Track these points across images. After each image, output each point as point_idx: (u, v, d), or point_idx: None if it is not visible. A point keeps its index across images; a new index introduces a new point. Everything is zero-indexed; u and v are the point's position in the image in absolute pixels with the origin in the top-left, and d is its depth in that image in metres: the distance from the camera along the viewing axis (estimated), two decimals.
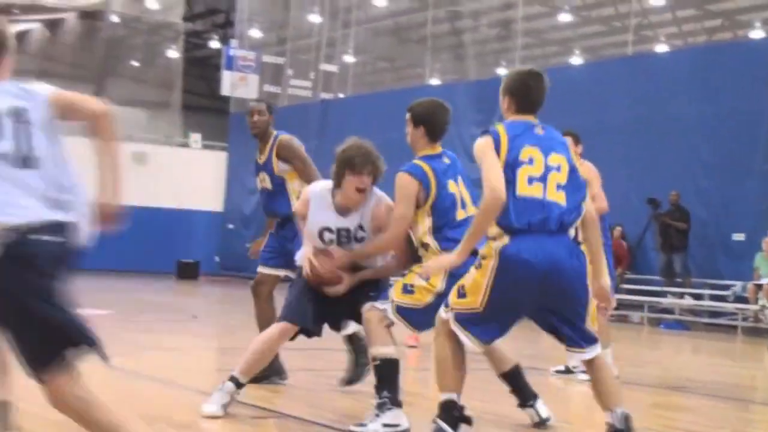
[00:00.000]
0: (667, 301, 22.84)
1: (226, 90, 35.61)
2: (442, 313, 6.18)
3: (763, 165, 21.48)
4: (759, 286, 20.32)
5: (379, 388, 6.87)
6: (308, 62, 36.58)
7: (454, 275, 6.50)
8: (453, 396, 6.15)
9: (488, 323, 6.05)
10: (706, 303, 22.37)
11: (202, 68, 45.04)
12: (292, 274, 8.29)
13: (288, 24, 37.54)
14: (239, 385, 7.29)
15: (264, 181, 8.99)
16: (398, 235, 6.91)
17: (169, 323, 16.88)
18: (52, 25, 46.26)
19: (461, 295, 6.04)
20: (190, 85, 41.48)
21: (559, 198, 5.99)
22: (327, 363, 11.41)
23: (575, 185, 6.10)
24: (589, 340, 6.15)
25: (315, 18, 36.56)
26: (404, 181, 6.88)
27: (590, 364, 6.26)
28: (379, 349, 6.88)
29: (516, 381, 7.39)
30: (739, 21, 34.83)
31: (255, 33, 38.95)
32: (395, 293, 6.99)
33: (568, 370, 11.00)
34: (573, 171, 6.12)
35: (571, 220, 6.05)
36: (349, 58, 35.42)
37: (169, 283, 31.70)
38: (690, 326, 22.08)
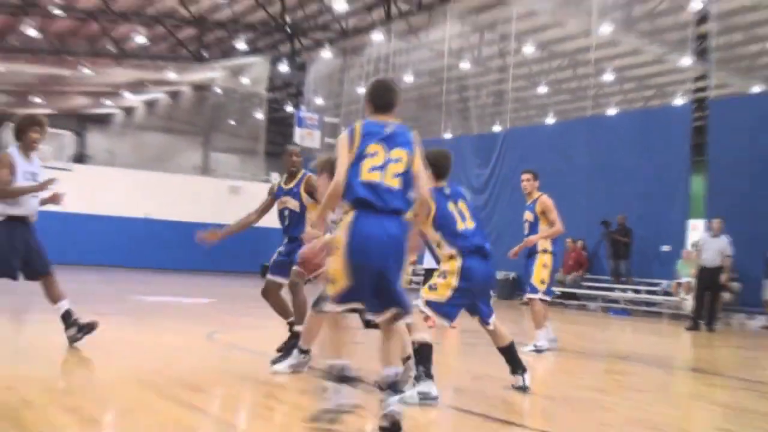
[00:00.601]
0: (614, 294, 22.97)
1: (297, 141, 35.78)
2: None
3: (683, 197, 21.92)
4: (679, 284, 20.66)
5: (416, 365, 6.77)
6: (355, 121, 36.72)
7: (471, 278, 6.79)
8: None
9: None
10: (643, 296, 22.56)
11: (280, 126, 45.17)
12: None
13: (342, 94, 37.78)
14: (303, 352, 7.46)
15: (288, 203, 8.92)
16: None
17: (255, 309, 16.87)
18: (174, 95, 46.59)
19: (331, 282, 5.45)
20: (271, 137, 41.68)
21: (395, 183, 5.56)
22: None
23: (409, 176, 5.64)
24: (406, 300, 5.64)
25: (361, 90, 36.70)
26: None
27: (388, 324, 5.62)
28: (417, 335, 6.80)
29: (509, 354, 7.41)
30: (666, 91, 35.08)
31: (318, 100, 39.14)
32: (424, 292, 7.04)
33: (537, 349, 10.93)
34: (410, 165, 5.66)
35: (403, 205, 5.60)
36: None
37: (255, 280, 31.76)
38: (631, 313, 22.16)
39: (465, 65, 33.95)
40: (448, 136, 33.18)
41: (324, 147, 34.64)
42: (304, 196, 8.78)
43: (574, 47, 32.43)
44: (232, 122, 45.14)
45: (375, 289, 5.42)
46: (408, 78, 35.56)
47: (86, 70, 40.28)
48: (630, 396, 8.11)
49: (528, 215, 11.31)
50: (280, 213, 9.11)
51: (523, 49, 32.28)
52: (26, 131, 8.61)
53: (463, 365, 9.97)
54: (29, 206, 8.55)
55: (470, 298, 7.04)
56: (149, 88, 44.58)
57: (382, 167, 5.55)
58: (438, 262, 7.18)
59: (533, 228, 11.22)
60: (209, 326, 12.26)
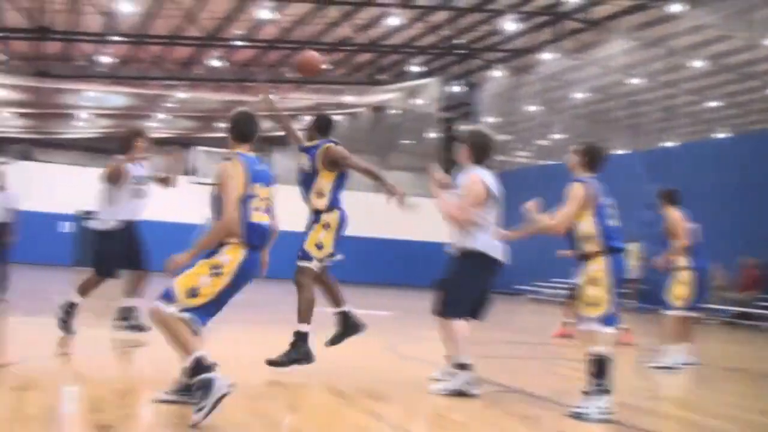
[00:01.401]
0: None
1: None
2: (163, 306, 5.41)
3: None
4: None
5: (593, 378, 6.52)
6: (528, 139, 36.52)
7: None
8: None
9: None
10: None
11: (454, 143, 45.30)
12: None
13: (514, 112, 37.59)
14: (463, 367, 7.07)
15: (302, 160, 9.09)
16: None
17: (431, 322, 16.91)
18: (352, 117, 47.40)
19: (192, 296, 5.41)
20: (445, 155, 41.81)
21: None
22: (550, 353, 11.30)
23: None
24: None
25: (533, 108, 36.53)
26: (575, 192, 6.81)
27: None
28: (596, 348, 6.56)
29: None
30: None
31: (490, 119, 39.05)
32: (586, 311, 6.72)
33: None
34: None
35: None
36: (557, 135, 35.21)
37: (428, 294, 31.88)
38: None
39: (634, 80, 33.24)
40: (618, 152, 32.51)
41: (496, 164, 34.53)
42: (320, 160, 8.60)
43: (742, 60, 31.30)
44: (407, 141, 45.51)
45: None
46: (578, 95, 35.13)
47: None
48: None
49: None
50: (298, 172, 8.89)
51: (691, 63, 31.39)
52: (131, 141, 9.77)
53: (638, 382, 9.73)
54: (134, 210, 9.70)
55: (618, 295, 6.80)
56: (328, 110, 45.52)
57: None
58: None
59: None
60: (389, 338, 12.38)
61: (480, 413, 6.47)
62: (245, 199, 5.59)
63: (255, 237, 5.64)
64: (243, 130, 5.94)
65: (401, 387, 7.37)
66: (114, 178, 9.50)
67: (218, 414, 5.52)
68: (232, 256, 5.54)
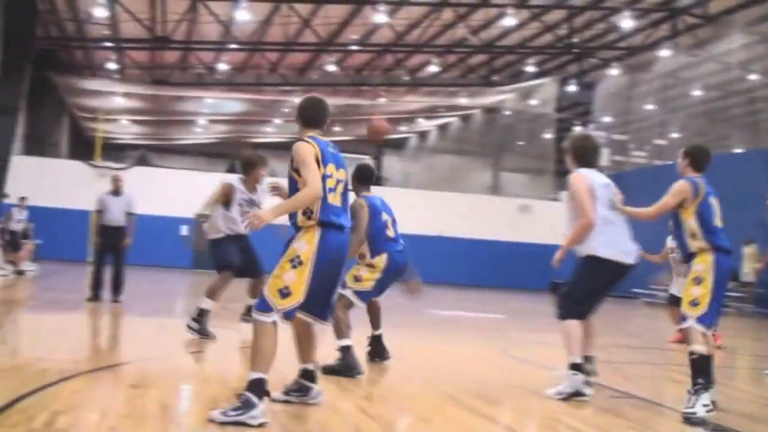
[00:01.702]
0: None
1: None
2: (262, 317, 5.40)
3: None
4: None
5: (695, 377, 6.56)
6: (645, 138, 35.89)
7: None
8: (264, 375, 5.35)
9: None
10: None
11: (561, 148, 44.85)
12: None
13: (630, 111, 36.96)
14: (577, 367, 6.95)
15: None
16: None
17: (546, 325, 16.76)
18: (465, 119, 47.32)
19: (285, 295, 5.38)
20: (559, 157, 41.24)
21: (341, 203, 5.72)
22: (665, 358, 11.09)
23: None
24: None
25: (649, 106, 35.88)
26: (677, 187, 6.93)
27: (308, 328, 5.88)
28: (695, 347, 6.62)
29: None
30: None
31: (606, 118, 38.52)
32: (690, 311, 6.77)
33: None
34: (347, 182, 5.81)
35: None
36: (674, 135, 34.51)
37: (544, 297, 31.62)
38: None
39: (752, 77, 32.30)
40: (738, 150, 31.65)
41: (612, 165, 34.11)
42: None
43: None
44: (521, 143, 45.20)
45: None
46: (696, 92, 34.37)
47: (382, 99, 41.74)
48: None
49: None
50: None
51: None
52: (255, 168, 10.03)
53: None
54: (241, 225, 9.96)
55: (721, 296, 6.85)
56: (442, 112, 45.53)
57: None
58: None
59: None
60: (503, 341, 12.33)
61: (592, 418, 6.37)
62: (323, 179, 5.54)
63: (332, 215, 5.58)
64: (312, 115, 5.88)
65: (514, 390, 7.31)
66: (224, 199, 9.83)
67: (331, 413, 5.59)
68: (306, 241, 5.51)
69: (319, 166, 5.52)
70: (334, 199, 5.62)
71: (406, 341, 11.94)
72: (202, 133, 46.65)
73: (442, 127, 49.57)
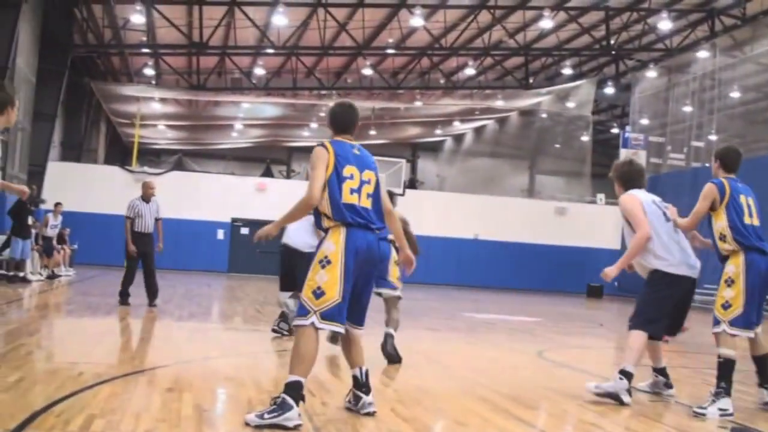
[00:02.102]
0: None
1: None
2: (301, 321, 5.49)
3: None
4: None
5: (718, 380, 6.72)
6: (682, 140, 35.62)
7: None
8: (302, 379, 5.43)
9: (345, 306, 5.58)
10: None
11: (605, 147, 44.62)
12: None
13: (667, 113, 36.71)
14: (626, 375, 6.95)
15: None
16: None
17: (582, 328, 16.68)
18: (501, 121, 47.22)
19: (319, 295, 5.48)
20: (596, 159, 41.14)
21: (368, 204, 5.74)
22: (706, 363, 10.99)
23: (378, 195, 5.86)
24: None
25: (687, 108, 35.61)
26: (706, 191, 7.09)
27: (347, 334, 5.84)
28: (723, 351, 6.80)
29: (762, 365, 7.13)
30: None
31: (644, 120, 38.30)
32: (720, 314, 6.91)
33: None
34: (378, 184, 5.85)
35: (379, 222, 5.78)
36: (712, 137, 34.23)
37: (581, 300, 31.46)
38: None
39: None
40: None
41: (649, 167, 33.90)
42: None
43: None
44: (558, 145, 45.04)
45: None
46: (734, 94, 34.07)
47: (418, 103, 41.73)
48: None
49: None
50: None
51: None
52: None
53: None
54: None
55: (760, 296, 6.93)
56: (478, 115, 45.45)
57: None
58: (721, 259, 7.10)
59: None
60: (538, 344, 12.26)
61: (627, 422, 6.33)
62: (339, 181, 5.65)
63: (350, 215, 5.62)
64: (340, 120, 5.98)
65: (549, 393, 7.26)
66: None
67: (366, 418, 5.59)
68: (333, 241, 5.59)
69: (336, 170, 5.66)
70: (355, 200, 5.68)
71: (440, 344, 11.92)
72: (237, 137, 46.88)
73: (478, 130, 49.50)
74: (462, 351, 11.24)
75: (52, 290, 17.45)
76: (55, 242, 22.13)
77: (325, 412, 5.83)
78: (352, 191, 5.67)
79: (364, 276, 5.72)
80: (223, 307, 16.98)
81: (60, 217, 22.10)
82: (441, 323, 15.21)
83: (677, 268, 7.06)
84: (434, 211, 35.61)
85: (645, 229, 7.00)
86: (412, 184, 42.55)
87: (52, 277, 20.88)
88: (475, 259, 36.06)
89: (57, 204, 22.20)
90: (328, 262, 5.51)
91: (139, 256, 14.18)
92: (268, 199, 32.09)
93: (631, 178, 7.53)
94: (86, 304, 13.96)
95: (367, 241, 5.67)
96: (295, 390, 5.34)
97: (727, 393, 6.67)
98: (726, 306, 6.84)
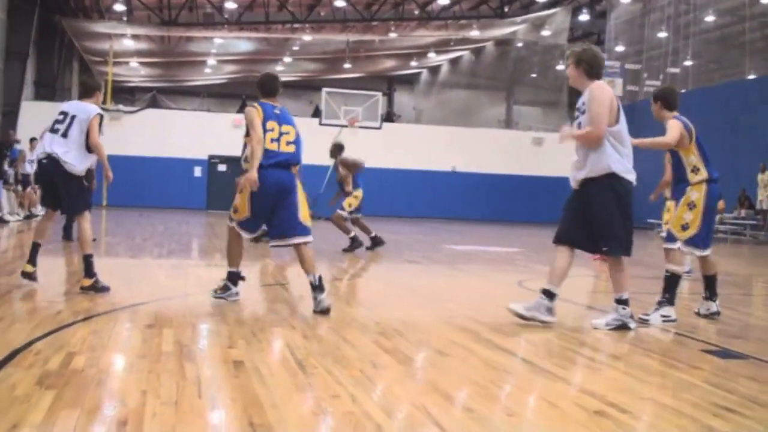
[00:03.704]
0: None
1: None
2: (228, 222, 7.75)
3: None
4: None
5: (663, 292, 7.62)
6: (658, 67, 35.54)
7: None
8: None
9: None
10: None
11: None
12: None
13: (643, 40, 36.54)
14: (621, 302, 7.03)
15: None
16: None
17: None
18: (477, 52, 46.91)
19: (236, 211, 7.59)
20: (572, 88, 40.95)
21: (290, 149, 7.52)
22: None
23: (299, 142, 7.66)
24: (301, 230, 7.48)
25: (662, 34, 35.44)
26: (677, 124, 7.60)
27: (296, 250, 7.54)
28: (671, 267, 7.67)
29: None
30: None
31: (619, 48, 38.11)
32: (678, 233, 7.69)
33: None
34: (298, 134, 7.66)
35: (297, 161, 7.58)
36: (687, 62, 34.16)
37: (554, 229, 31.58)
38: None
39: (766, 0, 31.81)
40: (752, 76, 31.25)
41: (626, 95, 33.85)
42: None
43: None
44: (534, 75, 44.87)
45: None
46: (709, 18, 33.95)
47: (393, 34, 41.34)
48: None
49: None
50: None
51: None
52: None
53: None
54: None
55: (711, 220, 7.75)
56: (453, 46, 45.10)
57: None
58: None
59: None
60: (519, 274, 12.29)
61: (610, 347, 6.36)
62: (264, 132, 7.40)
63: (269, 159, 7.37)
64: (266, 88, 7.77)
65: (530, 323, 7.23)
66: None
67: (347, 348, 5.58)
68: (247, 176, 7.32)
69: (263, 124, 7.43)
70: (275, 147, 7.45)
71: (421, 276, 11.93)
72: (212, 73, 46.43)
73: (454, 61, 49.20)
74: (443, 282, 11.25)
75: (30, 230, 17.33)
76: (32, 179, 21.81)
77: (306, 346, 5.81)
78: (272, 140, 7.43)
79: (279, 200, 7.43)
80: (202, 244, 16.93)
81: (35, 153, 21.70)
82: (421, 255, 15.21)
83: (630, 174, 6.89)
84: (411, 144, 35.52)
85: (601, 129, 6.75)
86: (389, 117, 42.39)
87: (30, 217, 20.73)
88: (454, 192, 36.06)
89: (32, 139, 21.86)
90: (241, 191, 7.49)
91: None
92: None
93: (600, 65, 7.12)
94: (63, 243, 13.85)
95: (274, 177, 7.37)
96: (233, 276, 7.79)
97: (670, 303, 7.55)
98: (685, 227, 7.62)
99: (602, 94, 6.80)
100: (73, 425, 3.70)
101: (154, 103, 40.33)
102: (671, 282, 7.60)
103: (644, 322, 7.32)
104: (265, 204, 7.41)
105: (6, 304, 7.27)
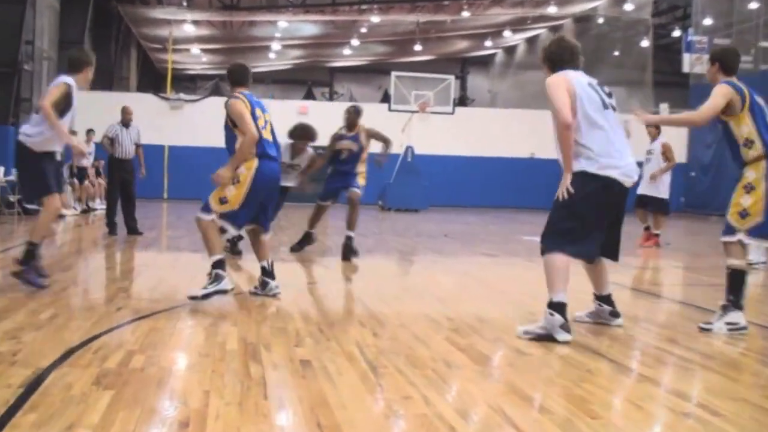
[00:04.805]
0: None
1: (686, 68, 34.56)
2: (204, 216, 7.50)
3: None
4: None
5: (727, 293, 6.69)
6: (750, 41, 34.83)
7: None
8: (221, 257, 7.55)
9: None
10: None
11: (667, 53, 43.77)
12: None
13: (732, 11, 35.84)
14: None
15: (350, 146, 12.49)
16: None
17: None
18: (555, 30, 46.50)
19: (224, 202, 7.47)
20: (657, 66, 40.41)
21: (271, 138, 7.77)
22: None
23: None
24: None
25: (754, 5, 34.73)
26: (723, 90, 6.68)
27: (256, 235, 8.02)
28: (732, 261, 6.67)
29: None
30: None
31: (707, 21, 37.45)
32: (735, 221, 6.67)
33: None
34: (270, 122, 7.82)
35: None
36: None
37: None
38: None
39: None
40: None
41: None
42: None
43: None
44: (616, 53, 44.34)
45: None
46: None
47: (465, 14, 41.11)
48: None
49: None
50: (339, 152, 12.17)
51: None
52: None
53: None
54: None
55: None
56: (530, 25, 44.74)
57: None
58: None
59: None
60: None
61: (702, 343, 6.24)
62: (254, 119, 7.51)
63: (265, 148, 7.58)
64: (238, 78, 7.90)
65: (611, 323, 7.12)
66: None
67: (419, 347, 5.56)
68: (246, 167, 7.48)
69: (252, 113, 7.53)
70: (267, 135, 7.66)
71: (497, 269, 11.87)
72: (276, 59, 46.65)
73: (531, 41, 48.77)
74: (519, 275, 11.17)
75: (87, 225, 17.61)
76: (89, 173, 22.08)
77: (376, 344, 5.81)
78: (262, 128, 7.56)
79: (271, 194, 7.82)
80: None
81: (93, 145, 21.91)
82: (498, 248, 15.11)
83: (605, 169, 6.51)
84: (486, 130, 35.32)
85: (565, 115, 6.49)
86: (462, 101, 42.24)
87: (87, 210, 21.02)
88: (533, 180, 35.74)
89: (89, 131, 22.14)
90: (238, 181, 7.45)
91: (118, 183, 14.77)
92: (310, 122, 31.95)
93: (561, 58, 6.90)
94: (122, 237, 14.05)
95: (271, 169, 7.64)
96: (219, 264, 7.44)
97: (737, 306, 6.63)
98: (744, 214, 6.60)
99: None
100: (132, 426, 3.74)
101: (216, 91, 40.66)
102: (735, 280, 6.68)
103: (710, 331, 6.62)
104: (259, 197, 7.59)
105: (62, 300, 7.38)
